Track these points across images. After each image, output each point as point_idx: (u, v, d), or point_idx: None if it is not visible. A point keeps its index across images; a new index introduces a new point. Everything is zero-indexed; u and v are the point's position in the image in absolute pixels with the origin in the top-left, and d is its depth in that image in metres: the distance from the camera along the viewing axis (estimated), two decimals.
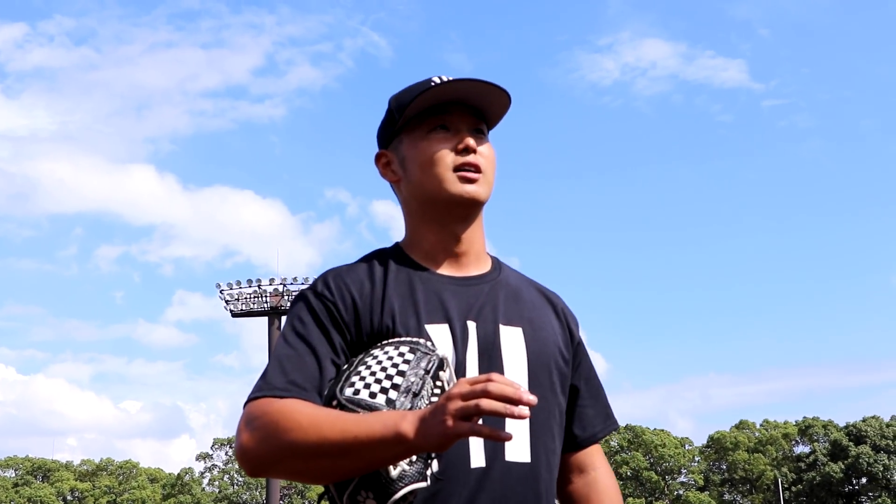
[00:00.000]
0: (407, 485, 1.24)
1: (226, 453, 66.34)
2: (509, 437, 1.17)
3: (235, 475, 65.36)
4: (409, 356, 1.33)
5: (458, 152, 1.49)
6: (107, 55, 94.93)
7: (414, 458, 1.25)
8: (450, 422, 1.13)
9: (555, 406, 1.52)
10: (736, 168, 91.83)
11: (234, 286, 51.30)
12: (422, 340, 1.38)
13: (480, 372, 1.40)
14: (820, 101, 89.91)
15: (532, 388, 1.46)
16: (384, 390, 1.29)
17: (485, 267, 1.56)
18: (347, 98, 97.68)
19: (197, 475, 65.60)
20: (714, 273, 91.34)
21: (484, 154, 1.52)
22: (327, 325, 1.41)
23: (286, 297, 49.96)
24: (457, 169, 1.49)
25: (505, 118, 1.59)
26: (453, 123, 1.51)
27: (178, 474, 64.85)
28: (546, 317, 1.57)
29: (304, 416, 1.27)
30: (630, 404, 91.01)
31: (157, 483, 65.58)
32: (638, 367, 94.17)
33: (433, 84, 1.49)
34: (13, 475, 65.37)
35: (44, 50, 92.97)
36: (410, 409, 1.25)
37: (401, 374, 1.30)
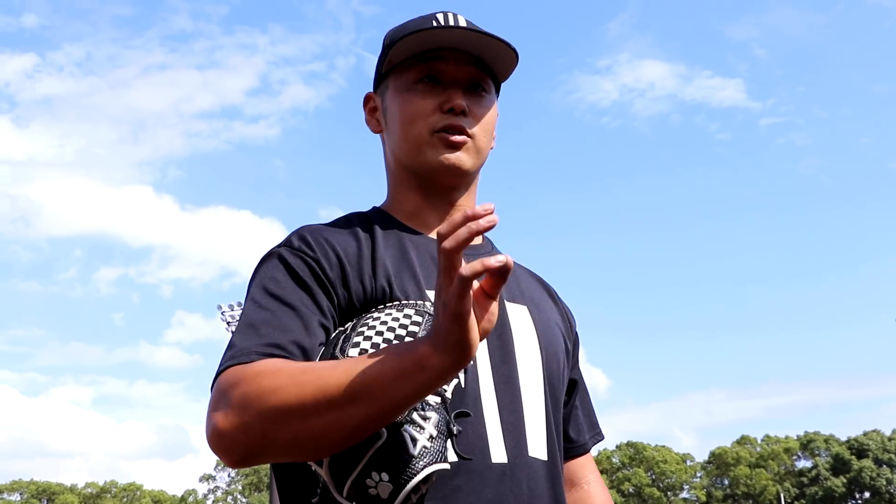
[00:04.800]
0: (429, 464, 1.03)
1: (228, 474, 66.14)
2: (506, 262, 0.91)
3: (238, 496, 65.42)
4: (417, 318, 1.14)
5: (444, 112, 1.27)
6: (102, 78, 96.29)
7: (434, 433, 1.05)
8: (452, 307, 0.91)
9: (561, 398, 1.33)
10: (735, 186, 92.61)
11: (236, 307, 52.30)
12: (427, 303, 1.17)
13: (491, 350, 1.22)
14: (817, 118, 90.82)
15: (546, 371, 1.28)
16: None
17: (478, 238, 1.34)
18: (340, 117, 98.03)
19: (200, 496, 65.60)
20: (714, 289, 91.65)
21: (476, 114, 1.29)
22: (310, 283, 1.18)
23: None
24: (439, 131, 1.27)
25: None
26: (447, 74, 1.28)
27: (182, 496, 64.74)
28: (546, 301, 1.40)
29: (293, 369, 1.04)
30: (632, 420, 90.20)
31: None
32: (640, 382, 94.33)
33: (433, 24, 1.28)
34: (18, 499, 64.96)
35: (52, 79, 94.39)
36: None
37: (411, 335, 1.10)
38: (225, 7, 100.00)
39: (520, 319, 1.29)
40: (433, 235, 1.30)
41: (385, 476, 1.01)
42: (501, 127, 1.41)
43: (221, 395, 1.05)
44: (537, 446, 1.21)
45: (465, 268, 0.91)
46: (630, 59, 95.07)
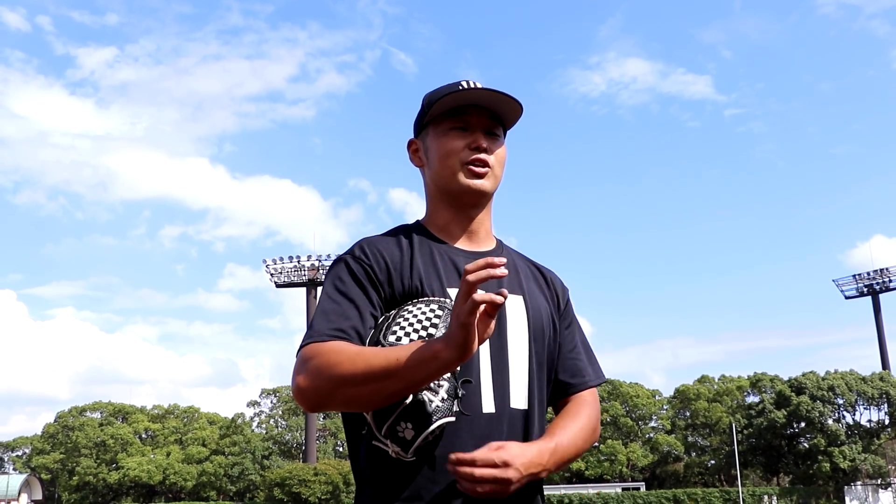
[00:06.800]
0: (441, 418, 1.45)
1: (271, 401, 70.78)
2: (504, 296, 1.31)
3: (279, 419, 69.72)
4: (439, 312, 1.53)
5: (471, 149, 1.66)
6: (169, 66, 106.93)
7: (445, 396, 1.47)
8: (462, 319, 1.30)
9: (546, 361, 1.70)
10: (702, 166, 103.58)
11: (278, 261, 58.58)
12: (447, 300, 1.58)
13: (491, 333, 1.45)
14: (773, 110, 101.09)
15: (532, 345, 1.66)
16: (421, 339, 1.47)
17: (491, 244, 1.76)
18: (367, 101, 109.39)
19: (248, 419, 70.30)
20: (683, 252, 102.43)
21: (494, 152, 1.68)
22: (365, 283, 1.59)
23: (321, 271, 56.11)
24: (467, 163, 1.66)
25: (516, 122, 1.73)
26: (471, 124, 1.67)
27: (233, 418, 69.66)
28: (539, 286, 1.78)
29: (351, 350, 1.46)
30: (611, 361, 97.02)
31: (215, 425, 71.25)
32: (618, 330, 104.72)
33: (460, 88, 1.65)
34: (99, 416, 72.11)
35: (129, 68, 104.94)
36: None
37: (434, 326, 1.51)
38: (271, 6, 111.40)
39: (515, 308, 1.67)
40: (457, 245, 1.71)
41: (409, 425, 1.45)
42: None
43: (302, 364, 1.49)
44: (518, 399, 1.61)
45: (478, 296, 1.29)
46: (617, 57, 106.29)
